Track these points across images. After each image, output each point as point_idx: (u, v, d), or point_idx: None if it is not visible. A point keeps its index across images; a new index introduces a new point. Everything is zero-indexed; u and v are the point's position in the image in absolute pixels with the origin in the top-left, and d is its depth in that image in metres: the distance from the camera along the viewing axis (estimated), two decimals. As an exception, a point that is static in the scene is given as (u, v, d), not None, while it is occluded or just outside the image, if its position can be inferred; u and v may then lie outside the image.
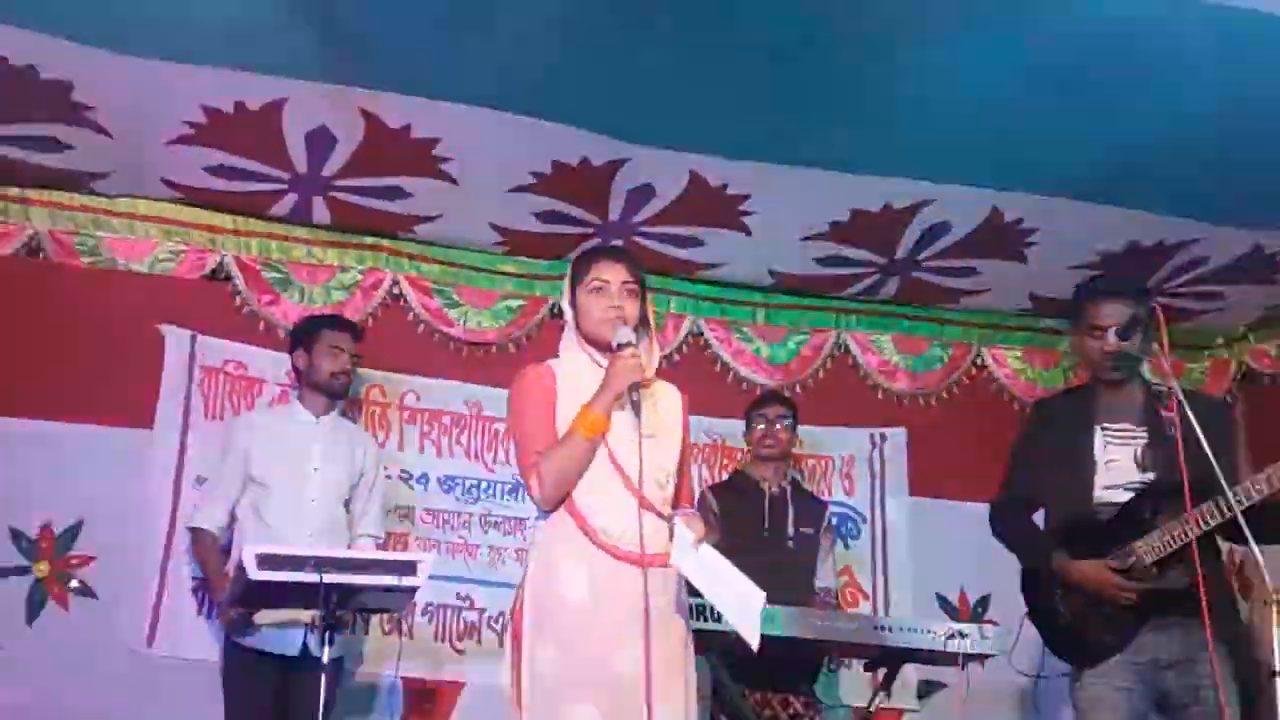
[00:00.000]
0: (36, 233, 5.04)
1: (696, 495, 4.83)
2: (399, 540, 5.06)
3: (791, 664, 4.53)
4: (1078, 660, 3.65)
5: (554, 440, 3.10)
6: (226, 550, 4.50)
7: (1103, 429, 3.72)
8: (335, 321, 4.81)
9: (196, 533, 4.60)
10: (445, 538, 5.26)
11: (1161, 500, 3.52)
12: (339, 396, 4.75)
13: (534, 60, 4.17)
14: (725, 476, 5.18)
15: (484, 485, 5.39)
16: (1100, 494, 3.66)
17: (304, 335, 4.74)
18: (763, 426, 4.96)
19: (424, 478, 5.32)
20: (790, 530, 4.81)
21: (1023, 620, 3.82)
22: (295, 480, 4.53)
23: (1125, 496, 3.63)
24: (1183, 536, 3.44)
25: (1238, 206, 5.06)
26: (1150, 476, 3.61)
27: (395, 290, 5.43)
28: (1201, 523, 3.41)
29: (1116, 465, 3.68)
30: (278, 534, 4.36)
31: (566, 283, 3.31)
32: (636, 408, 3.10)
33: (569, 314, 3.29)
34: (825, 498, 5.36)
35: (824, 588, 4.85)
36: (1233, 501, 3.32)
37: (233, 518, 4.53)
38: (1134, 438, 3.68)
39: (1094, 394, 3.81)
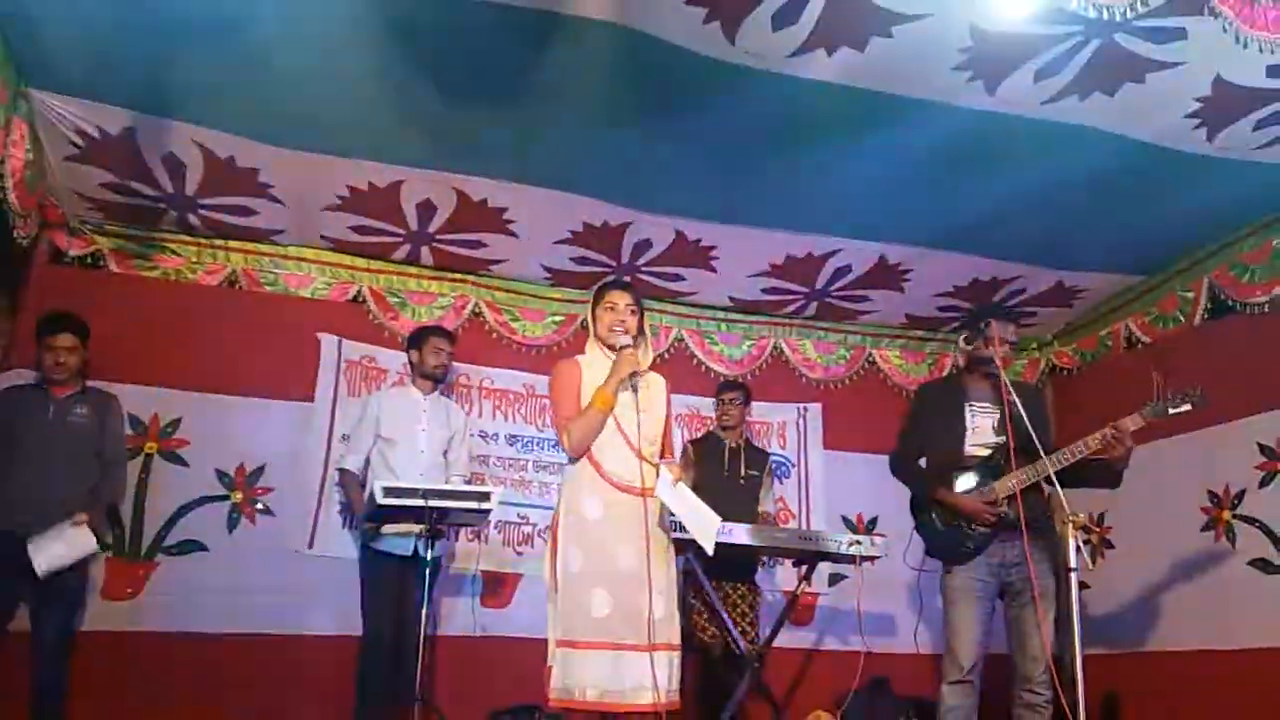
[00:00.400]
0: (234, 270, 5.03)
1: (679, 449, 4.85)
2: (478, 478, 5.03)
3: (739, 562, 4.53)
4: (949, 560, 3.64)
5: (579, 410, 3.11)
6: (363, 485, 4.49)
7: (969, 405, 3.72)
8: (438, 331, 4.76)
9: (344, 473, 4.57)
10: (510, 476, 5.23)
11: (1009, 456, 3.53)
12: (439, 381, 4.72)
13: (572, 155, 4.18)
14: (701, 434, 5.18)
15: (536, 441, 5.35)
16: (968, 449, 3.67)
17: (417, 339, 4.71)
18: (723, 406, 4.97)
19: (496, 435, 5.29)
20: (742, 473, 4.79)
21: (912, 533, 3.81)
22: (410, 438, 4.50)
23: (985, 452, 3.65)
24: (1024, 481, 3.52)
25: (1046, 255, 5.06)
26: (1001, 439, 3.61)
27: (476, 310, 5.39)
28: (1034, 474, 3.49)
29: (980, 430, 3.68)
30: (398, 474, 4.35)
31: (590, 305, 3.30)
32: (635, 391, 3.10)
33: (590, 325, 3.29)
34: (768, 450, 5.34)
35: (765, 511, 4.83)
36: (1049, 463, 3.43)
37: (367, 462, 4.53)
38: (991, 412, 3.69)
39: (962, 381, 3.82)
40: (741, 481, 4.77)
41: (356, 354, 5.13)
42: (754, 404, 5.22)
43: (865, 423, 5.52)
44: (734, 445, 4.88)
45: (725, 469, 4.79)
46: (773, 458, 5.25)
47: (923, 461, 3.83)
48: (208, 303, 4.93)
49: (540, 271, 5.33)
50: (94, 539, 3.88)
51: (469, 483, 4.68)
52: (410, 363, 4.73)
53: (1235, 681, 4.38)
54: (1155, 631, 4.90)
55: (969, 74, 3.54)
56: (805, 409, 5.84)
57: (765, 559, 5.01)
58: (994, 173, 4.15)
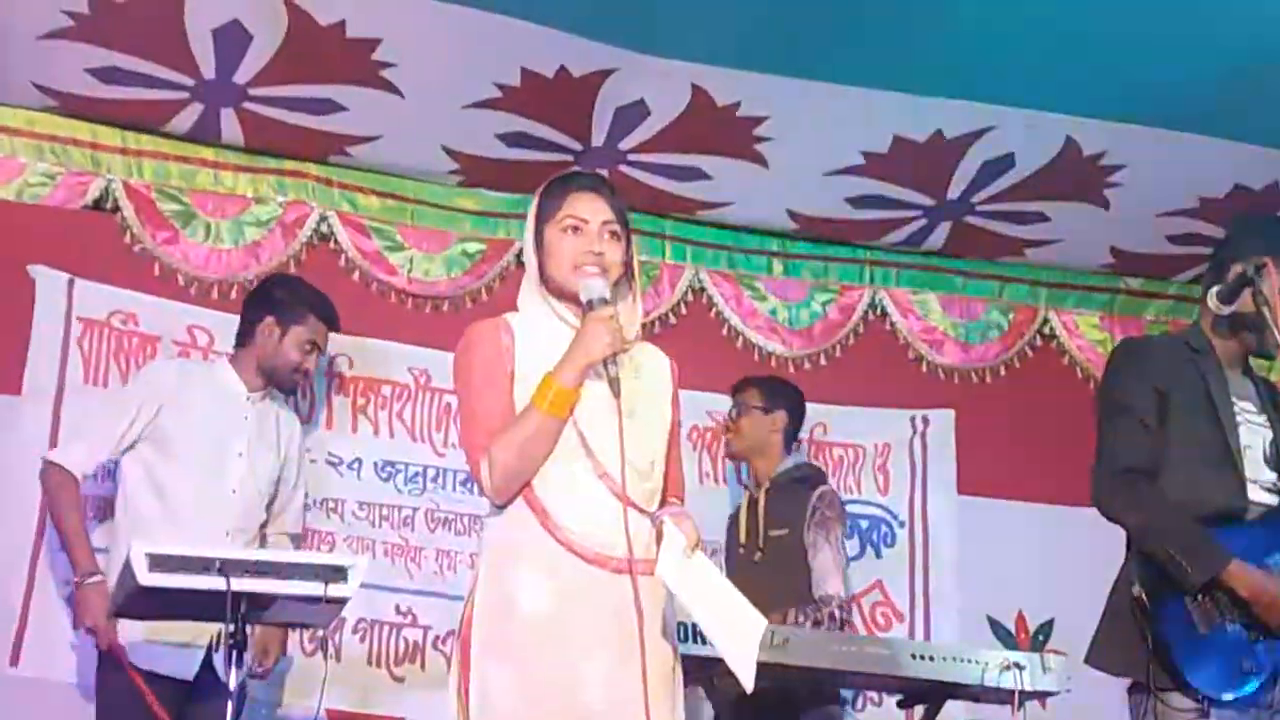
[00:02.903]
0: (-120, 147, 5.03)
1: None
2: (324, 539, 5.05)
3: (790, 699, 4.56)
4: (1203, 692, 3.46)
5: (511, 416, 3.07)
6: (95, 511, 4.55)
7: (1236, 403, 3.64)
8: (326, 313, 4.68)
9: (52, 469, 4.42)
10: (383, 537, 5.25)
11: None
12: (286, 393, 4.74)
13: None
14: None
15: (431, 473, 5.38)
16: (1251, 491, 3.57)
17: (286, 309, 4.60)
18: (728, 417, 5.04)
19: (356, 463, 5.31)
20: (761, 538, 4.81)
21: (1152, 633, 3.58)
22: (216, 462, 4.49)
23: (1264, 496, 3.58)
24: None
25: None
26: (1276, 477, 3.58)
27: (324, 228, 5.40)
28: None
29: (1253, 455, 3.61)
30: (187, 525, 4.32)
31: (531, 217, 3.25)
32: (615, 384, 3.07)
33: (532, 259, 3.24)
34: (825, 483, 5.14)
35: (825, 594, 4.81)
36: None
37: (109, 477, 4.54)
38: (1259, 424, 3.65)
39: (1211, 357, 3.70)
40: (759, 554, 4.81)
41: (101, 307, 5.10)
42: (831, 408, 5.18)
43: (1034, 446, 5.53)
44: (753, 495, 4.88)
45: (741, 536, 4.86)
46: (858, 506, 5.25)
47: None
48: None
49: (442, 160, 5.35)
50: None
51: (306, 548, 4.70)
52: (250, 333, 4.61)
53: None
54: None
55: None
56: (925, 419, 5.88)
57: (848, 692, 5.03)
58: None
